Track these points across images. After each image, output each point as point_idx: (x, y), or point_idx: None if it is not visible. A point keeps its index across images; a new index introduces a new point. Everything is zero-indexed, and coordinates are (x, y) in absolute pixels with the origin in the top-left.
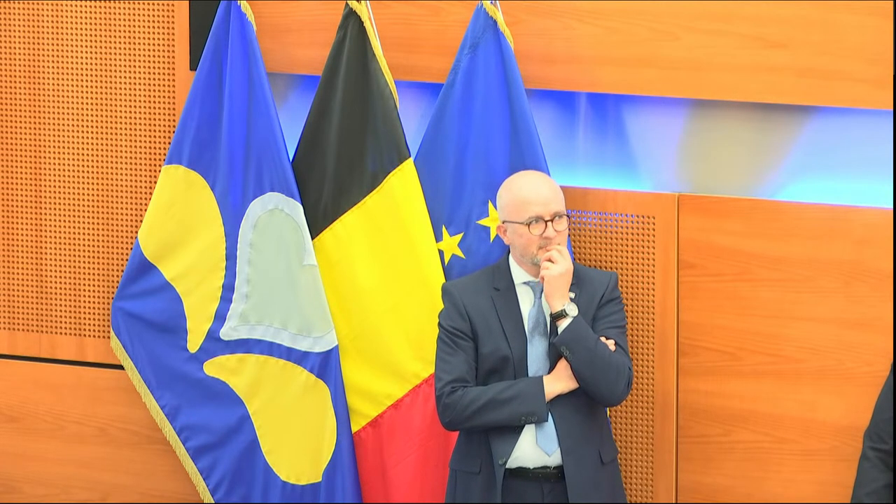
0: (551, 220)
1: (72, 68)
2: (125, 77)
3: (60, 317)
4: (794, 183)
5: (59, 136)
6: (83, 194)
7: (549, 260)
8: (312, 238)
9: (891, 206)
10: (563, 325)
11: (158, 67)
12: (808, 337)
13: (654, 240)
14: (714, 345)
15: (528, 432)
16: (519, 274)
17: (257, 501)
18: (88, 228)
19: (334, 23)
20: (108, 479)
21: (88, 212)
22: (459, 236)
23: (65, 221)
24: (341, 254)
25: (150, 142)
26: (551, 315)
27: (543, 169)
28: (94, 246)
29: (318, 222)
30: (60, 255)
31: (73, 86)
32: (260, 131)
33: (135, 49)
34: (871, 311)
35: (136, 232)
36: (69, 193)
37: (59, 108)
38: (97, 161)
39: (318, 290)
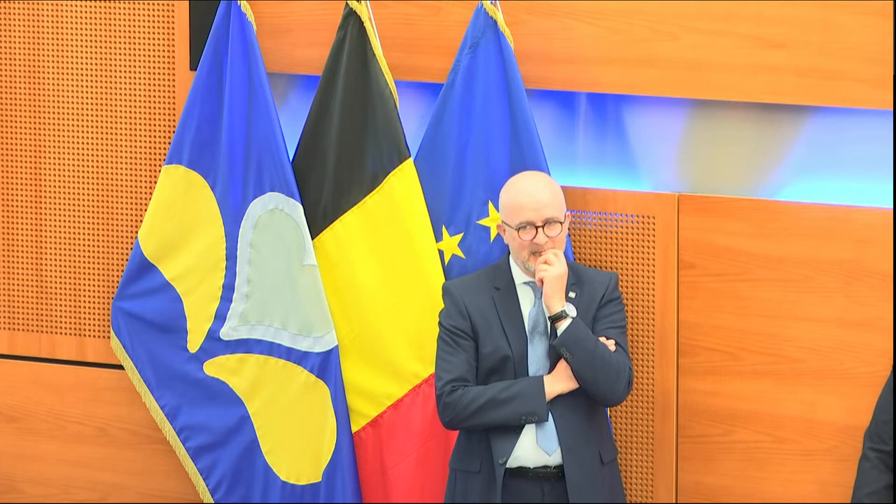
0: (542, 227)
1: (72, 68)
2: (125, 77)
3: (60, 317)
4: (794, 183)
5: (59, 136)
6: (83, 194)
7: (546, 262)
8: (312, 238)
9: (891, 206)
10: (562, 326)
11: (158, 67)
12: (808, 337)
13: (654, 240)
14: (714, 345)
15: (529, 432)
16: (519, 274)
17: (257, 501)
18: (88, 228)
19: (334, 23)
20: (108, 479)
21: (88, 212)
22: (459, 236)
23: (65, 221)
24: (341, 254)
25: (150, 142)
26: (550, 317)
27: (543, 169)
28: (94, 246)
29: (318, 222)
30: (60, 255)
31: (73, 86)
32: (260, 131)
33: (135, 49)
34: (871, 311)
35: (136, 232)
36: (69, 193)
37: (59, 108)
38: (97, 161)
39: (318, 290)
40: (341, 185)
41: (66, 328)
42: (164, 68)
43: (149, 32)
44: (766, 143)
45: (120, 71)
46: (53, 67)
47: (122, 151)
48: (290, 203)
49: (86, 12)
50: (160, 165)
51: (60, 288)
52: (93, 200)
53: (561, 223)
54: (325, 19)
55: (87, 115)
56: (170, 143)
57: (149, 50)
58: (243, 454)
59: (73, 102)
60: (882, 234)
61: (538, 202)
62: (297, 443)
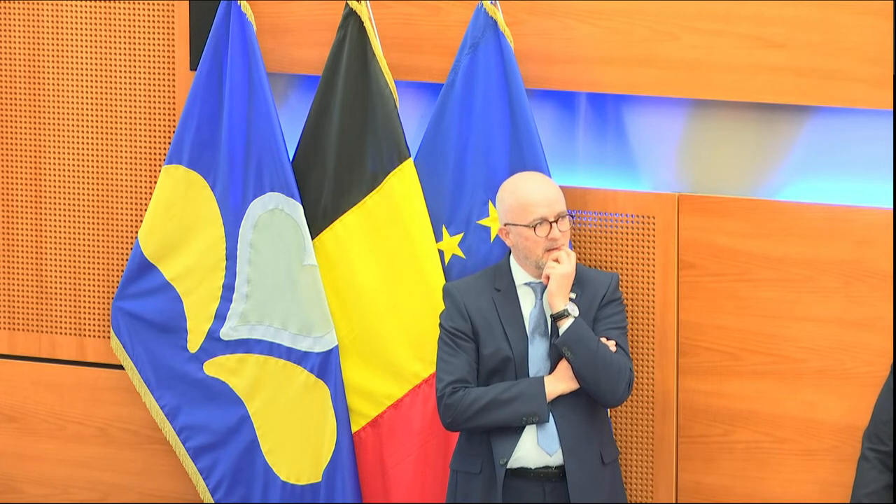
0: (556, 221)
1: (72, 68)
2: (125, 77)
3: (60, 317)
4: (794, 183)
5: (59, 136)
6: (83, 194)
7: (556, 260)
8: (312, 238)
9: (891, 206)
10: (564, 325)
11: (158, 67)
12: (808, 337)
13: (654, 240)
14: (714, 345)
15: (530, 432)
16: (520, 275)
17: (257, 501)
18: (88, 228)
19: (334, 23)
20: (108, 479)
21: (88, 212)
22: (459, 236)
23: (65, 221)
24: (341, 254)
25: (150, 142)
26: (552, 315)
27: (543, 169)
28: (94, 246)
29: (318, 222)
30: (60, 255)
31: (73, 86)
32: (260, 131)
33: (135, 49)
34: (871, 311)
35: (136, 232)
36: (69, 193)
37: (59, 108)
38: (97, 161)
39: (318, 290)
40: (341, 185)
41: (66, 328)
42: (164, 68)
43: (149, 32)
44: (766, 143)
45: (120, 71)
46: (53, 67)
47: (122, 151)
48: (290, 203)
49: (86, 12)
50: (160, 165)
51: (60, 288)
52: (93, 200)
53: (569, 217)
54: (325, 19)
55: (87, 115)
56: (170, 143)
57: (149, 50)
58: (243, 454)
59: (73, 102)
60: (882, 234)
61: (549, 198)
62: (297, 443)
